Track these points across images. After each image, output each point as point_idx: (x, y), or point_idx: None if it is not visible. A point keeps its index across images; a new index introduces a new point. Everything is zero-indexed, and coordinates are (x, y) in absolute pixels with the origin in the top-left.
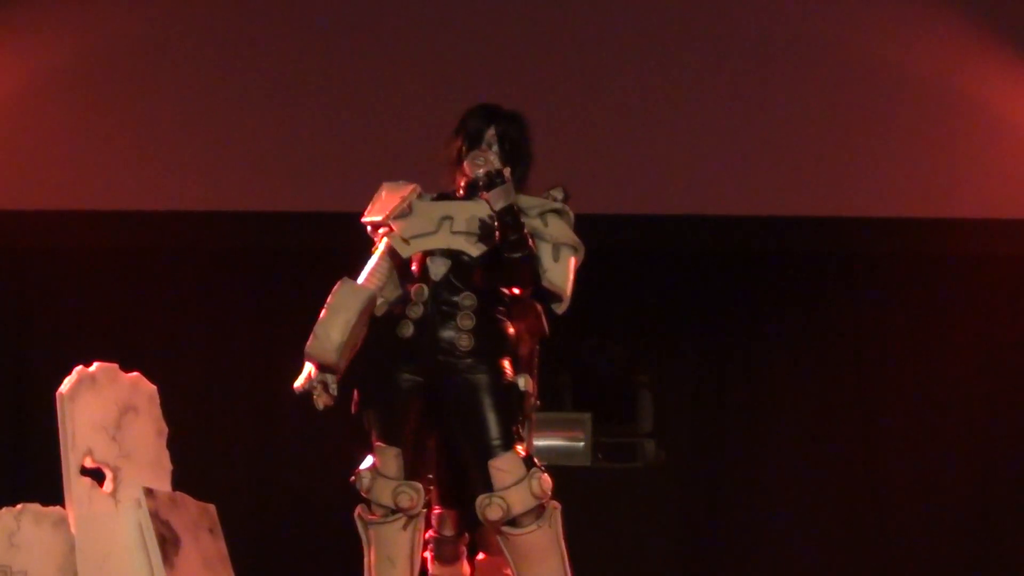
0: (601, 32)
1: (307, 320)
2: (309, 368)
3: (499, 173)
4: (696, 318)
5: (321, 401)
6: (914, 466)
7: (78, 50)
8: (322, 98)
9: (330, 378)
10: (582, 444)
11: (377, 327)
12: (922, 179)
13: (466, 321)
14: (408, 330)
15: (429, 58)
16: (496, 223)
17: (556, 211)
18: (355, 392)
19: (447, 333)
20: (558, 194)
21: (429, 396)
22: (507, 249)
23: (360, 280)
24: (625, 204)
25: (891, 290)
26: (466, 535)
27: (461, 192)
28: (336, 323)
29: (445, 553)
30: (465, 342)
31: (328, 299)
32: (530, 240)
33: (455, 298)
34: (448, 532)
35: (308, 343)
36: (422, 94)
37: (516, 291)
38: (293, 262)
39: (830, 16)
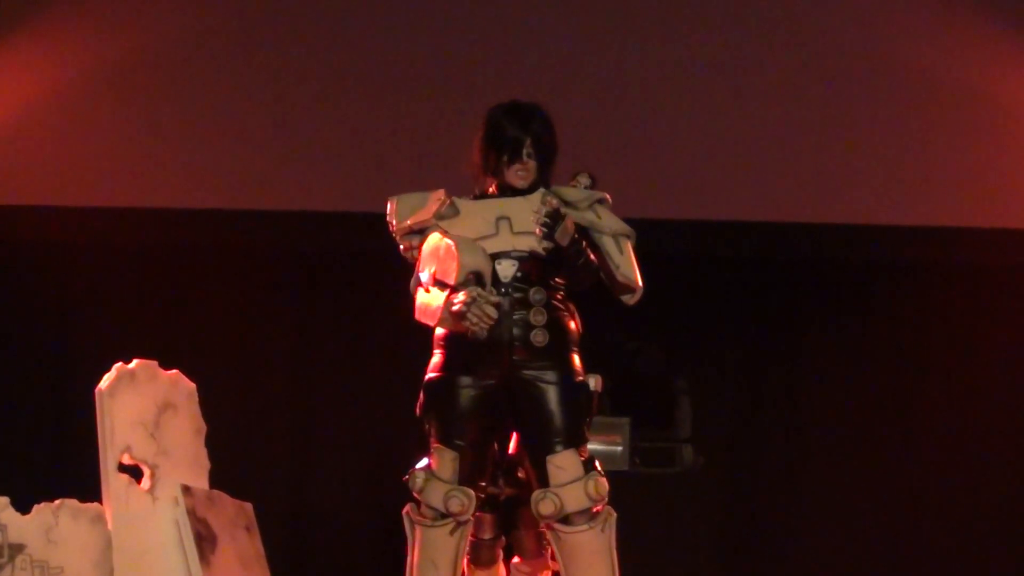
0: (641, 37)
1: (346, 319)
2: (454, 299)
3: (556, 214)
4: (735, 324)
5: (490, 310)
6: (954, 472)
7: (122, 47)
8: (364, 96)
9: (483, 292)
10: (620, 448)
11: (445, 332)
12: (969, 188)
13: (538, 317)
14: (483, 333)
15: (458, 60)
16: (564, 254)
17: (600, 200)
18: (421, 394)
19: (521, 331)
20: (584, 179)
21: (497, 399)
22: (571, 261)
23: (425, 277)
24: (666, 208)
25: (933, 297)
26: (502, 538)
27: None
28: (468, 240)
29: (482, 556)
30: (540, 338)
31: (432, 244)
32: (590, 254)
33: (524, 295)
34: (485, 535)
35: (461, 257)
36: (453, 97)
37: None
38: (333, 261)
39: (878, 24)
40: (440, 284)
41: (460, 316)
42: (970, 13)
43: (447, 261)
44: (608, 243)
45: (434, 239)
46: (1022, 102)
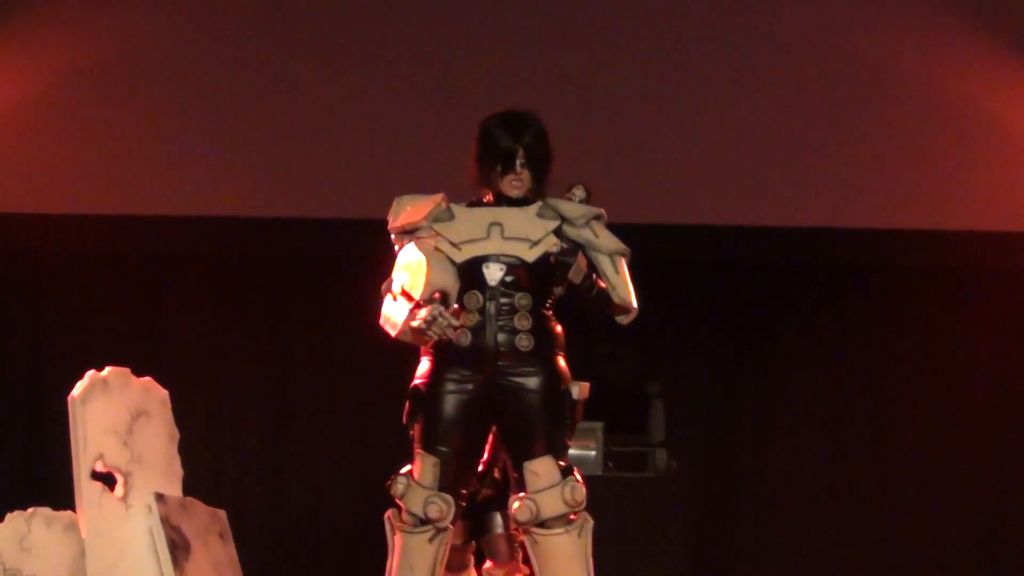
0: (619, 41)
1: (321, 326)
2: (417, 311)
3: (566, 252)
4: (708, 328)
5: (451, 331)
6: (926, 478)
7: (98, 55)
8: (336, 105)
9: (445, 311)
10: (594, 453)
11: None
12: (939, 192)
13: (524, 321)
14: (466, 338)
15: (445, 69)
16: (577, 290)
17: (597, 217)
18: (407, 402)
19: (506, 336)
20: (579, 191)
21: (482, 405)
22: (588, 304)
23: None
24: (638, 213)
25: (905, 302)
26: (473, 543)
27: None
28: (441, 257)
29: (453, 561)
30: (525, 342)
31: (406, 255)
32: (600, 283)
33: (511, 300)
34: (456, 541)
35: (430, 275)
36: (436, 105)
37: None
38: (307, 268)
39: (863, 33)
40: (407, 296)
41: (420, 332)
42: (957, 22)
43: (416, 275)
44: (605, 263)
45: (410, 250)
46: (996, 108)
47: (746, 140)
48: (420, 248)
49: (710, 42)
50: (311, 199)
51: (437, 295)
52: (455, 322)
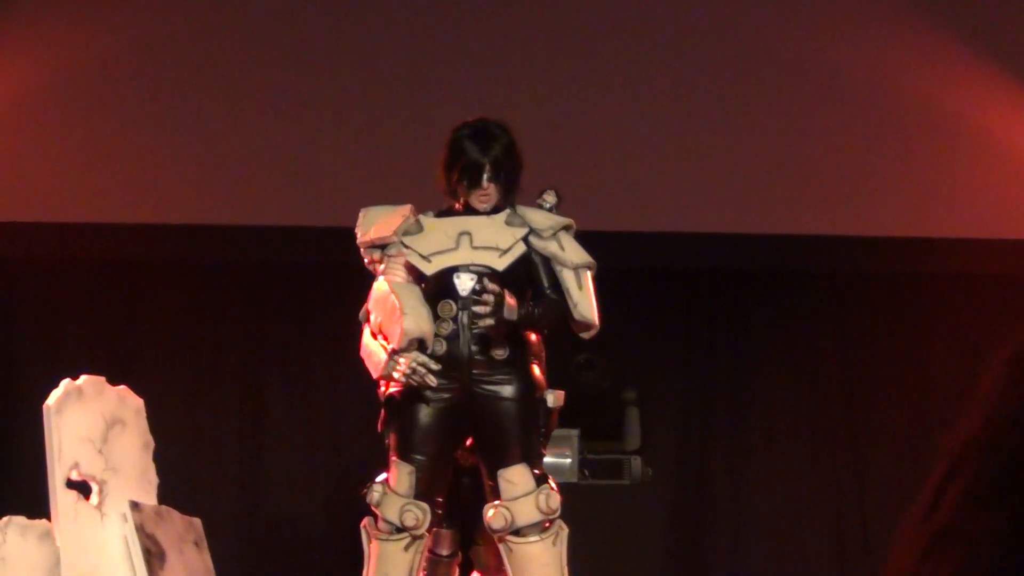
0: (599, 48)
1: (295, 333)
2: (397, 359)
3: (498, 300)
4: (683, 336)
5: (430, 379)
6: (903, 483)
7: (69, 62)
8: (316, 114)
9: (424, 357)
10: (569, 461)
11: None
12: (915, 199)
13: (499, 333)
14: (441, 347)
15: (427, 78)
16: (519, 326)
17: (566, 228)
18: (382, 410)
19: (479, 345)
20: (550, 197)
21: (457, 414)
22: (537, 329)
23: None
24: (612, 221)
25: (881, 309)
26: (460, 555)
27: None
28: (415, 299)
29: (439, 573)
30: (500, 351)
31: (381, 294)
32: (543, 310)
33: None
34: (443, 551)
35: (405, 323)
36: (416, 112)
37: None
38: (281, 276)
39: (839, 40)
40: (383, 337)
41: (399, 380)
42: (953, 36)
43: (391, 323)
44: (568, 277)
45: (382, 288)
46: (968, 113)
47: (723, 147)
48: (394, 289)
49: (697, 49)
50: (286, 207)
51: (414, 342)
52: (434, 366)
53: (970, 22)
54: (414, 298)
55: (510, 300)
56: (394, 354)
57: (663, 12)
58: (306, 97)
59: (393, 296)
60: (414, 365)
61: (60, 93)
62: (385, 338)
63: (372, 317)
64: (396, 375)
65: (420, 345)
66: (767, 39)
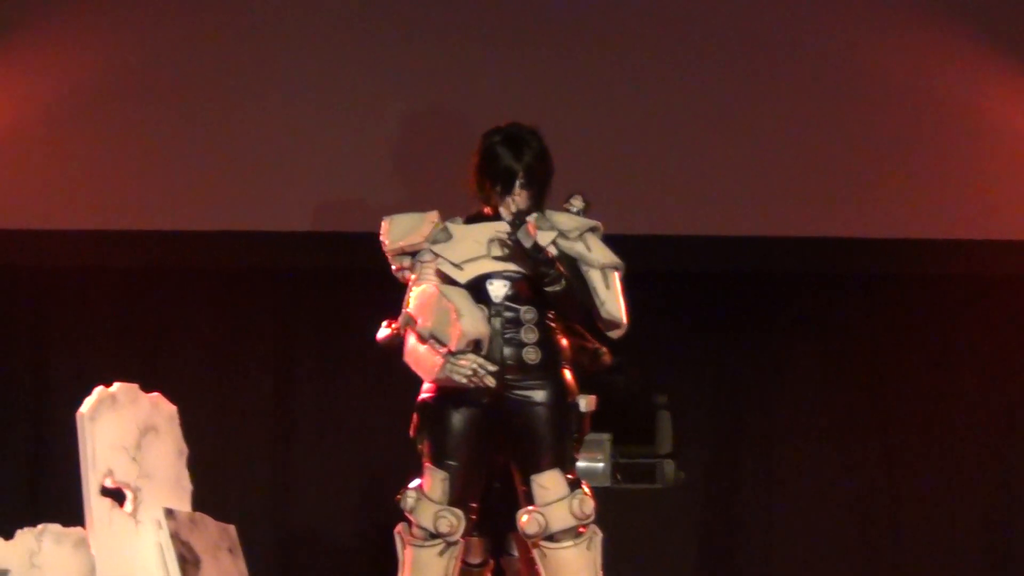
0: (625, 52)
1: (327, 339)
2: (455, 361)
3: (520, 215)
4: (715, 339)
5: (489, 380)
6: (933, 485)
7: (97, 69)
8: (342, 119)
9: (481, 359)
10: (601, 465)
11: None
12: (942, 201)
13: (530, 334)
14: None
15: (452, 83)
16: (529, 262)
17: (592, 229)
18: (414, 416)
19: (512, 349)
20: (577, 202)
21: (490, 419)
22: (545, 284)
23: (412, 309)
24: (645, 224)
25: (911, 311)
26: (491, 562)
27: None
28: (468, 300)
29: None
30: (532, 355)
31: (428, 298)
32: (563, 270)
33: (516, 314)
34: (474, 560)
35: (463, 325)
36: (442, 118)
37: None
38: (311, 282)
39: (869, 42)
40: (436, 341)
41: (458, 381)
42: (969, 34)
43: (446, 325)
44: (595, 277)
45: (429, 292)
46: (994, 114)
47: (750, 151)
48: (444, 292)
49: (715, 53)
50: (315, 212)
51: (471, 343)
52: (491, 367)
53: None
54: (467, 300)
55: (530, 228)
56: (450, 356)
57: (688, 15)
58: (332, 103)
59: (445, 299)
60: (473, 366)
61: (90, 101)
62: (437, 344)
63: (420, 322)
64: (456, 376)
65: (477, 346)
66: (793, 40)
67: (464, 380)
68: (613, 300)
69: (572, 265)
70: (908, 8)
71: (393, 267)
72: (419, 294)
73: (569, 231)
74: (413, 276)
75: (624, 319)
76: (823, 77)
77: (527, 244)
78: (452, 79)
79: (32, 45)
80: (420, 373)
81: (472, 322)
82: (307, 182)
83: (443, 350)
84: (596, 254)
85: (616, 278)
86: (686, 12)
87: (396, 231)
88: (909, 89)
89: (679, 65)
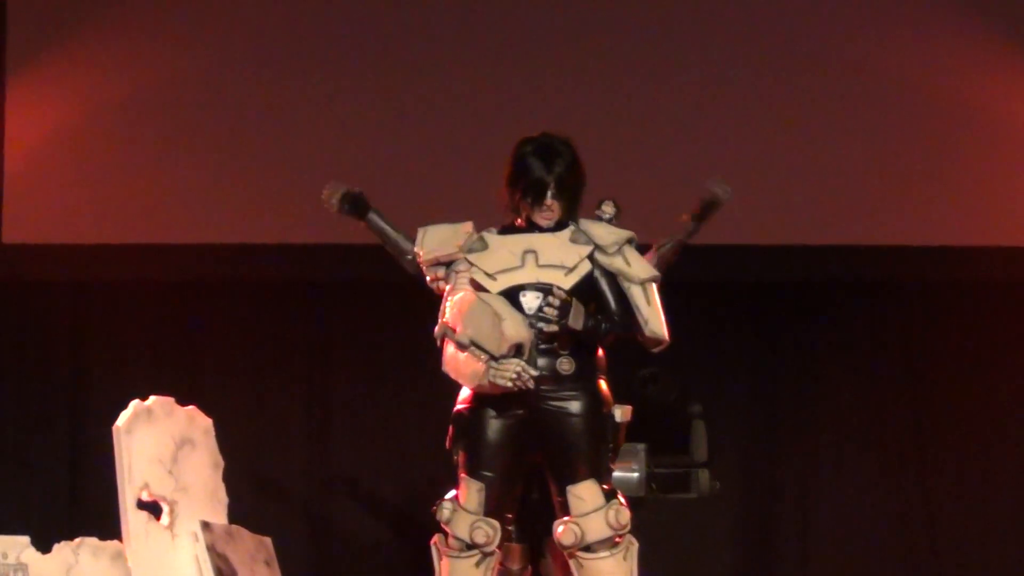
0: (658, 60)
1: (362, 351)
2: (499, 365)
3: (566, 305)
4: (749, 348)
5: (531, 383)
6: (971, 493)
7: (127, 86)
8: (372, 132)
9: (523, 363)
10: (636, 475)
11: None
12: (979, 207)
13: (564, 346)
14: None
15: (477, 93)
16: (581, 335)
17: (628, 240)
18: (450, 426)
19: (547, 360)
20: (608, 208)
21: (525, 430)
22: (599, 341)
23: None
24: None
25: (946, 318)
26: (530, 568)
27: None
28: (508, 306)
29: None
30: (567, 366)
31: (467, 305)
32: (604, 323)
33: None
34: (513, 566)
35: (506, 329)
36: (476, 129)
37: None
38: (346, 294)
39: (909, 51)
40: (477, 347)
41: (503, 386)
42: (998, 40)
43: (488, 330)
44: (637, 293)
45: (467, 299)
46: None
47: (782, 159)
48: (485, 299)
49: (748, 63)
50: (351, 225)
51: (513, 347)
52: (533, 372)
53: None
54: (507, 306)
55: (577, 308)
56: (493, 360)
57: (716, 27)
58: (366, 117)
59: (485, 304)
60: (517, 369)
61: (125, 116)
62: (477, 350)
63: (459, 329)
64: (500, 381)
65: (519, 351)
66: (839, 49)
67: (509, 384)
68: (656, 317)
69: (612, 281)
70: (944, 18)
71: (428, 278)
72: (456, 302)
73: (607, 246)
74: (448, 286)
75: (667, 336)
76: (858, 87)
77: (579, 327)
78: (487, 91)
79: (68, 61)
80: (461, 380)
81: (514, 326)
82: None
83: (484, 356)
84: (636, 269)
85: (655, 291)
86: (715, 24)
87: (430, 241)
88: (943, 97)
89: (712, 76)
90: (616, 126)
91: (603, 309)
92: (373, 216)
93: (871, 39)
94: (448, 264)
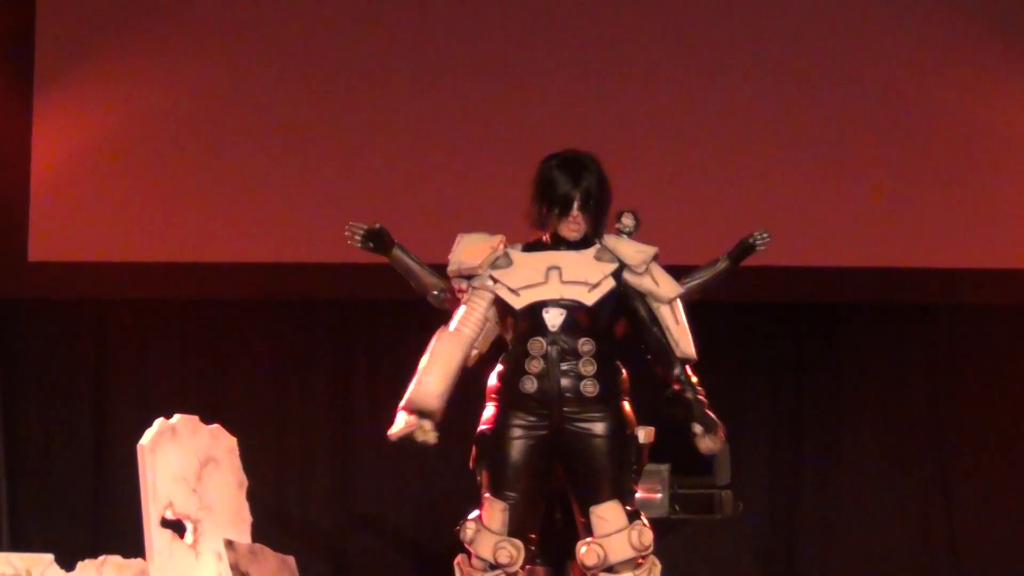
0: (677, 80)
1: (383, 370)
2: (405, 416)
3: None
4: (772, 369)
5: (429, 437)
6: (994, 515)
7: (150, 105)
8: (393, 152)
9: (428, 423)
10: (660, 496)
11: (497, 384)
12: (1000, 230)
13: (588, 367)
14: (532, 385)
15: (502, 112)
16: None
17: (654, 257)
18: (473, 447)
19: (571, 381)
20: (628, 220)
21: (548, 451)
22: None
23: (453, 327)
24: (698, 255)
25: (968, 340)
26: None
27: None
28: (438, 372)
29: None
30: (591, 388)
31: (429, 349)
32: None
33: (574, 345)
34: None
35: (411, 392)
36: (497, 148)
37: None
38: (369, 313)
39: (928, 74)
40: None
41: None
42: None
43: (413, 378)
44: (666, 314)
45: (437, 343)
46: None
47: (809, 181)
48: (434, 350)
49: (775, 87)
50: None
51: (415, 409)
52: (431, 439)
53: None
54: (440, 369)
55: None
56: (399, 410)
57: (738, 48)
58: (387, 137)
59: (427, 356)
60: (407, 431)
61: (149, 134)
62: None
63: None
64: (393, 433)
65: (421, 413)
66: (869, 75)
67: (396, 439)
68: (685, 337)
69: (642, 300)
70: (973, 45)
71: (455, 288)
72: (435, 338)
73: (635, 265)
74: (465, 299)
75: (695, 355)
76: (887, 112)
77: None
78: (510, 110)
79: (92, 80)
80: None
81: (420, 394)
82: (364, 215)
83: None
84: (664, 288)
85: (681, 308)
86: (741, 49)
87: (460, 250)
88: (971, 122)
89: (738, 100)
90: (643, 146)
91: (638, 330)
92: (397, 252)
93: (902, 65)
94: (470, 277)
